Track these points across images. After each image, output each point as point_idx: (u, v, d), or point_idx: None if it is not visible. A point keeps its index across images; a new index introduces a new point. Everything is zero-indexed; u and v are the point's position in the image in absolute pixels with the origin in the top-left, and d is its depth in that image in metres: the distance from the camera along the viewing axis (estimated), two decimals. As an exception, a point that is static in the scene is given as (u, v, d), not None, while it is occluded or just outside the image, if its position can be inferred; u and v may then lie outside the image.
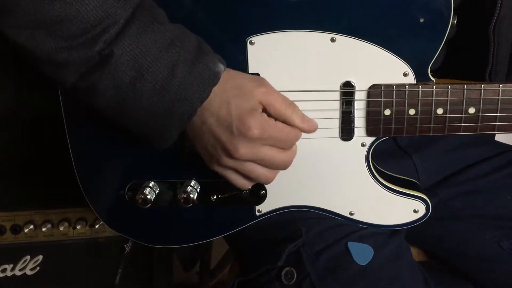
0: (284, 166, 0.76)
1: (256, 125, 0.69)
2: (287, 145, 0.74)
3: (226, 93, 0.70)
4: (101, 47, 0.64)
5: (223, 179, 0.77)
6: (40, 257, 1.05)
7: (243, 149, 0.70)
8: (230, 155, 0.71)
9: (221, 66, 0.70)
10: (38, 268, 1.05)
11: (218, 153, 0.72)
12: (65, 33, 0.63)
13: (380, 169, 0.87)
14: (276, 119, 0.73)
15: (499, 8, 0.80)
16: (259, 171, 0.74)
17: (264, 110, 0.73)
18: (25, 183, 1.03)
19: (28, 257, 1.04)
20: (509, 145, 1.01)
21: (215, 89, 0.69)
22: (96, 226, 1.05)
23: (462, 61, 0.89)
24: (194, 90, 0.67)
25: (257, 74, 0.78)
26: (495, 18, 0.81)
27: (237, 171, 0.75)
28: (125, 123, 0.71)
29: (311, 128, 0.76)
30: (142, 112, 0.68)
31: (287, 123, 0.74)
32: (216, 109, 0.70)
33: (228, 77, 0.71)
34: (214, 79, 0.68)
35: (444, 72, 0.91)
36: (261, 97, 0.72)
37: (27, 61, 0.67)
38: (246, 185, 0.77)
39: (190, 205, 0.83)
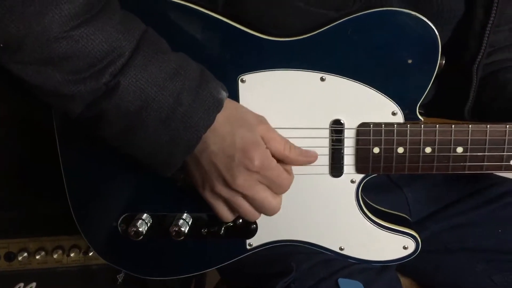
0: (271, 212, 0.76)
1: (258, 158, 0.71)
2: (280, 190, 0.76)
3: (230, 123, 0.71)
4: (108, 79, 0.65)
5: (212, 209, 0.77)
6: (34, 284, 1.05)
7: (241, 180, 0.71)
8: (226, 184, 0.72)
9: (224, 93, 0.71)
10: (31, 295, 1.05)
11: (214, 180, 0.73)
12: (72, 68, 0.64)
13: (371, 204, 0.87)
14: (275, 157, 0.75)
15: (484, 47, 0.81)
16: (247, 208, 0.75)
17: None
18: (20, 211, 1.03)
19: (21, 284, 1.04)
20: (501, 177, 1.01)
21: (219, 116, 0.70)
22: (90, 254, 1.05)
23: (446, 96, 0.91)
24: (199, 117, 0.68)
25: (248, 111, 0.79)
26: (480, 57, 0.83)
27: (226, 202, 0.75)
28: (131, 152, 0.72)
29: (312, 158, 0.79)
30: (148, 141, 0.69)
31: (285, 162, 0.76)
32: (220, 138, 0.71)
33: (232, 106, 0.73)
34: (218, 106, 0.69)
35: (430, 106, 0.93)
36: (263, 133, 0.74)
37: (33, 94, 0.67)
38: (230, 218, 0.78)
39: (182, 238, 0.84)
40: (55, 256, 1.04)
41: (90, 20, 0.63)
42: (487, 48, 0.82)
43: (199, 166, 0.73)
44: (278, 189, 0.75)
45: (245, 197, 0.74)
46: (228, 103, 0.72)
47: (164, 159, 0.71)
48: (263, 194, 0.74)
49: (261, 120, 0.76)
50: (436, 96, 0.92)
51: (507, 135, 0.76)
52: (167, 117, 0.67)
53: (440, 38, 0.74)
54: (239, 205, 0.75)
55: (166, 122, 0.67)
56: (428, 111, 0.93)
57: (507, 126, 0.76)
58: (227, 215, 0.77)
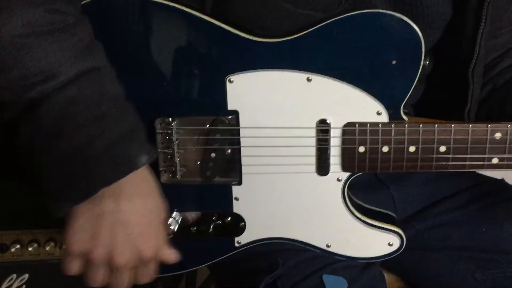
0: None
1: (154, 246, 0.73)
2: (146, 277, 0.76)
3: (136, 194, 0.70)
4: (33, 96, 0.65)
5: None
6: (26, 275, 1.06)
7: (126, 259, 0.71)
8: (110, 258, 0.71)
9: (144, 159, 0.69)
10: (24, 286, 1.06)
11: (98, 246, 0.70)
12: (5, 75, 0.64)
13: (357, 201, 0.89)
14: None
15: (477, 52, 0.82)
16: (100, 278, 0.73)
17: None
18: (12, 203, 1.04)
19: (14, 275, 1.05)
20: (486, 176, 1.03)
21: (126, 180, 0.68)
22: (82, 248, 1.06)
23: (440, 98, 0.92)
24: (103, 170, 0.66)
25: (236, 111, 0.80)
26: (474, 60, 0.83)
27: (85, 262, 0.73)
28: (30, 170, 0.70)
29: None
30: (45, 169, 0.68)
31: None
32: (127, 201, 0.70)
33: (147, 178, 0.72)
34: (128, 167, 0.68)
35: (422, 107, 0.94)
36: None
37: None
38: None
39: (171, 236, 0.85)
40: (47, 248, 1.04)
41: (41, 34, 0.64)
42: (481, 53, 0.82)
43: (87, 222, 0.70)
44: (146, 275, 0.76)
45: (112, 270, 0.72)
46: (144, 171, 0.71)
47: (52, 196, 0.69)
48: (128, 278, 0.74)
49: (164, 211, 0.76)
50: (431, 98, 0.93)
51: (488, 134, 0.77)
52: (72, 155, 0.66)
53: (427, 41, 0.75)
54: (95, 275, 0.73)
55: (69, 160, 0.66)
56: (419, 111, 0.94)
57: (489, 125, 0.77)
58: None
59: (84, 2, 0.74)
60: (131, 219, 0.71)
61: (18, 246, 1.03)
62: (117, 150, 0.67)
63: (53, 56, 0.64)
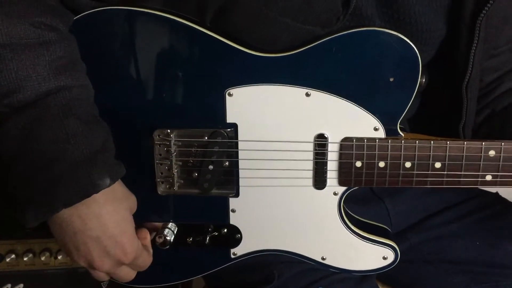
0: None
1: (131, 251, 0.76)
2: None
3: (106, 207, 0.71)
4: (0, 109, 0.64)
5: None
6: (21, 285, 1.06)
7: (107, 266, 0.75)
8: (92, 267, 0.76)
9: (105, 182, 0.69)
10: (19, 296, 1.06)
11: (78, 258, 0.75)
12: None
13: (352, 215, 0.89)
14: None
15: (471, 68, 0.83)
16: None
17: None
18: (8, 213, 1.04)
19: (9, 285, 1.05)
20: (480, 190, 1.04)
21: (91, 200, 0.68)
22: (77, 257, 1.06)
23: (436, 113, 0.93)
24: (63, 192, 0.66)
25: (235, 124, 0.81)
26: (468, 77, 0.84)
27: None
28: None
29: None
30: (9, 183, 0.68)
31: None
32: (96, 219, 0.71)
33: (112, 194, 0.72)
34: (89, 191, 0.67)
35: (418, 121, 0.95)
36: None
37: None
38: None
39: (167, 247, 0.86)
40: (42, 258, 1.04)
41: (18, 46, 0.64)
42: (475, 69, 0.83)
43: (64, 237, 0.72)
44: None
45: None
46: (111, 192, 0.71)
47: (17, 209, 0.70)
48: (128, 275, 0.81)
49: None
50: (427, 112, 0.94)
51: (482, 152, 0.78)
52: (31, 176, 0.66)
53: (422, 57, 0.76)
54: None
55: (29, 179, 0.66)
56: (415, 126, 0.95)
57: (483, 143, 0.78)
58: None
59: (82, 15, 0.75)
60: (103, 234, 0.72)
61: (13, 256, 1.03)
62: (78, 174, 0.67)
63: (25, 70, 0.64)
